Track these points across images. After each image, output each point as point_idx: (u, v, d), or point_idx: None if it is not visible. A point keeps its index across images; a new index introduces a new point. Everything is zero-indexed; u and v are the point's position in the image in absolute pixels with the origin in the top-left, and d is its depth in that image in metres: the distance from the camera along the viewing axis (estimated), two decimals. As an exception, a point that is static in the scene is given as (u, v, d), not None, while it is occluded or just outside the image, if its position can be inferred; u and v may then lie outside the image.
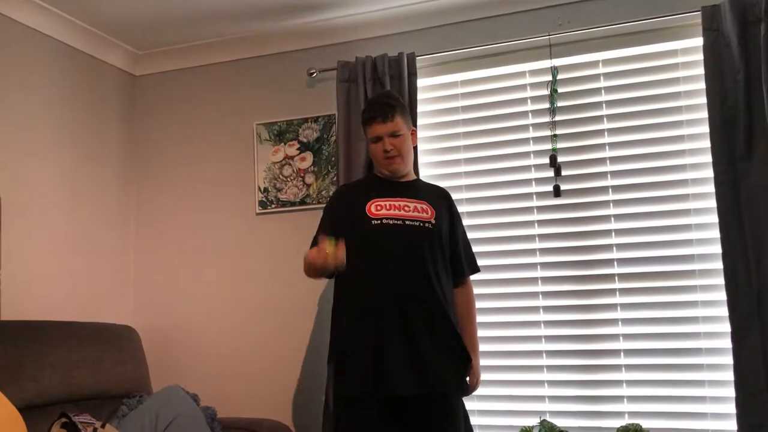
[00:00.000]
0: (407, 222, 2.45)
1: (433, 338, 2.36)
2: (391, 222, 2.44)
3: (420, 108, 3.07)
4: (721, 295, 2.62)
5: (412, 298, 2.37)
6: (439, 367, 2.35)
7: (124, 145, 3.62)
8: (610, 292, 2.89)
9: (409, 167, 2.61)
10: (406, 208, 2.48)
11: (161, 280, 3.52)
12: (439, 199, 2.61)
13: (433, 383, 2.33)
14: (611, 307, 2.88)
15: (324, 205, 3.02)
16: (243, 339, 3.33)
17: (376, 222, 2.44)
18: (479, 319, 2.98)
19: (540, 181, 3.01)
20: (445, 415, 2.39)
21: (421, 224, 2.46)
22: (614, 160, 2.94)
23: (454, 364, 2.41)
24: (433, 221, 2.48)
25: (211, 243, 3.47)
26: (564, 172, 2.94)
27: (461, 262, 2.62)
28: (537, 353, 2.94)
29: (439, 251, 2.48)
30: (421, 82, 3.08)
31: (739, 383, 2.54)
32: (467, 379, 2.49)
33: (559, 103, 2.99)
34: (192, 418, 2.72)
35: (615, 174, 2.93)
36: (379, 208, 2.47)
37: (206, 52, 3.55)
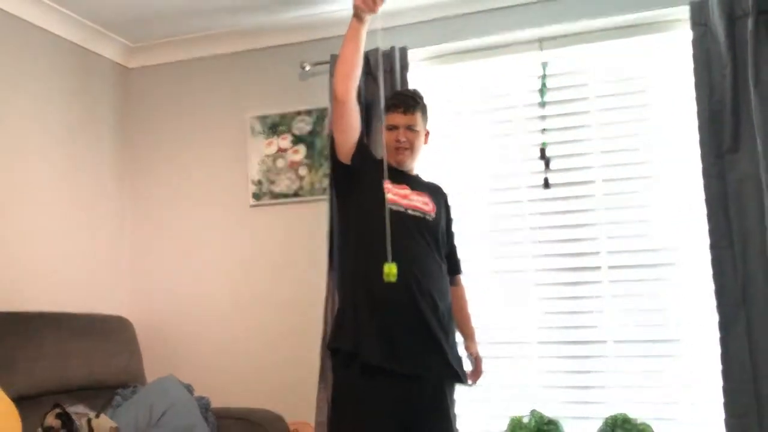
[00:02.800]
0: (409, 211, 2.49)
1: (433, 328, 2.39)
2: (393, 208, 2.43)
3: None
4: (709, 285, 2.65)
5: (415, 286, 2.38)
6: (445, 351, 2.41)
7: (118, 138, 3.62)
8: (599, 282, 2.92)
9: (414, 163, 2.65)
10: (410, 197, 2.53)
11: (155, 272, 3.53)
12: (438, 196, 2.65)
13: (436, 366, 2.38)
14: (600, 296, 2.91)
15: (319, 197, 3.18)
16: (236, 330, 3.35)
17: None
18: (469, 309, 3.03)
19: (530, 173, 3.03)
20: (440, 402, 2.42)
21: (422, 215, 2.50)
22: (603, 152, 2.97)
23: (452, 351, 2.46)
24: (434, 215, 2.53)
25: (204, 235, 3.48)
26: (553, 165, 2.97)
27: (456, 259, 2.69)
28: (527, 343, 2.97)
29: (436, 244, 2.51)
30: (412, 76, 3.09)
31: (726, 372, 2.58)
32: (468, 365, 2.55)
33: (549, 97, 3.02)
34: (186, 408, 2.74)
35: (604, 166, 2.96)
36: (387, 190, 2.46)
37: (200, 45, 3.56)
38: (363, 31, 2.39)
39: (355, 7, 2.33)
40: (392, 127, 2.56)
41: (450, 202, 2.72)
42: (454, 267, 2.67)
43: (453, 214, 2.74)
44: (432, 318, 2.38)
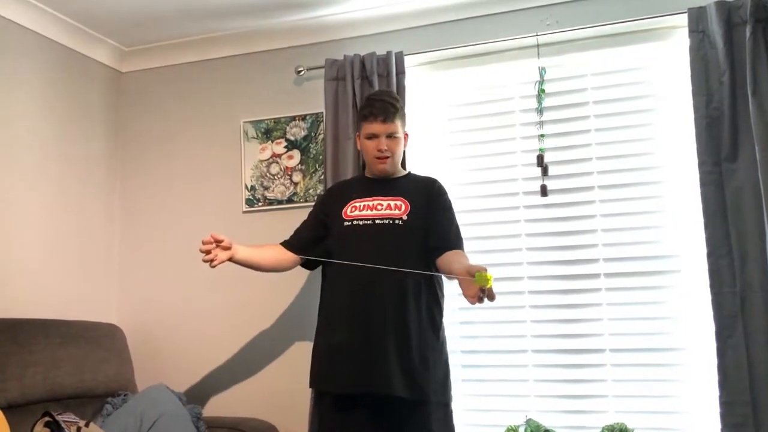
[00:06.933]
0: (377, 221, 2.47)
1: (395, 338, 2.34)
2: (361, 222, 2.47)
3: (407, 106, 3.05)
4: (706, 295, 2.63)
5: (376, 298, 2.37)
6: (392, 369, 2.31)
7: (110, 143, 3.59)
8: (596, 290, 2.90)
9: (397, 167, 2.63)
10: (378, 207, 2.50)
11: (146, 279, 3.50)
12: (420, 191, 2.57)
13: (379, 384, 2.31)
14: (597, 305, 2.89)
15: (312, 203, 3.07)
16: (229, 338, 3.31)
17: (347, 223, 2.50)
18: (464, 317, 3.00)
19: (527, 180, 3.01)
20: (414, 423, 2.35)
21: (391, 221, 2.47)
22: (601, 159, 2.95)
23: (414, 366, 2.35)
24: (405, 217, 2.46)
25: (196, 241, 3.42)
26: (551, 172, 2.95)
27: (443, 236, 2.48)
28: (522, 351, 2.95)
29: (410, 246, 2.44)
30: (409, 81, 3.07)
31: (723, 382, 2.56)
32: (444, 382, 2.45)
33: (547, 103, 3.00)
34: (177, 417, 2.71)
35: (601, 173, 2.94)
36: (353, 209, 2.52)
37: (193, 49, 3.54)
38: None
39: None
40: (372, 136, 2.53)
41: (438, 192, 2.59)
42: (444, 243, 2.46)
43: (444, 205, 2.58)
44: (385, 329, 2.34)
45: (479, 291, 2.04)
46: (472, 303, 2.09)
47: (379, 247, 2.42)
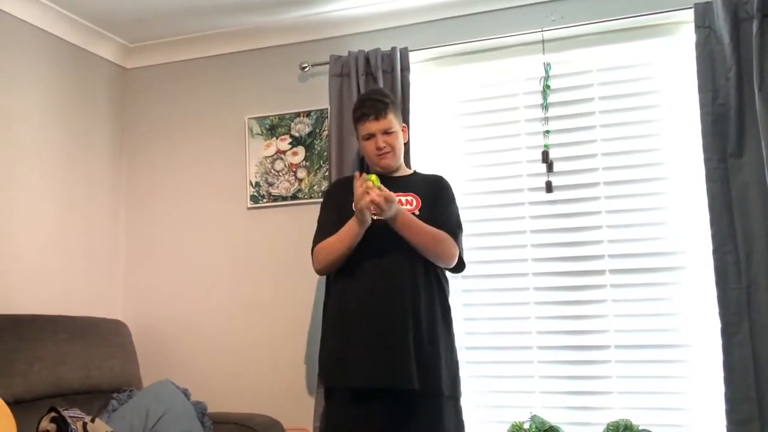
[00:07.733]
0: None
1: (410, 332, 2.35)
2: (375, 216, 2.45)
3: (412, 103, 3.05)
4: (712, 291, 2.63)
5: (391, 293, 2.38)
6: (408, 363, 2.32)
7: (115, 139, 3.60)
8: (601, 286, 2.89)
9: (400, 162, 2.65)
10: None
11: (152, 275, 3.51)
12: (428, 187, 2.60)
13: (397, 378, 2.32)
14: (602, 301, 2.88)
15: (318, 200, 3.05)
16: (234, 334, 3.32)
17: None
18: (470, 313, 3.00)
19: (532, 176, 3.00)
20: (426, 417, 2.37)
21: None
22: (606, 155, 2.94)
23: (428, 360, 2.37)
24: (417, 212, 2.49)
25: (201, 237, 3.45)
26: (556, 168, 2.94)
27: (438, 225, 2.48)
28: (527, 347, 2.94)
29: None
30: (413, 77, 3.07)
31: (729, 379, 2.56)
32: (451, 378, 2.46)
33: (552, 99, 3.00)
34: (182, 413, 2.72)
35: (607, 169, 2.93)
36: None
37: (198, 46, 3.54)
38: (361, 232, 2.40)
39: (359, 211, 2.35)
40: (369, 136, 2.56)
41: (444, 189, 2.62)
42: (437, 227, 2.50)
43: (446, 201, 2.61)
44: (401, 324, 2.34)
45: (369, 189, 2.30)
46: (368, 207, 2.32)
47: (394, 241, 2.42)
